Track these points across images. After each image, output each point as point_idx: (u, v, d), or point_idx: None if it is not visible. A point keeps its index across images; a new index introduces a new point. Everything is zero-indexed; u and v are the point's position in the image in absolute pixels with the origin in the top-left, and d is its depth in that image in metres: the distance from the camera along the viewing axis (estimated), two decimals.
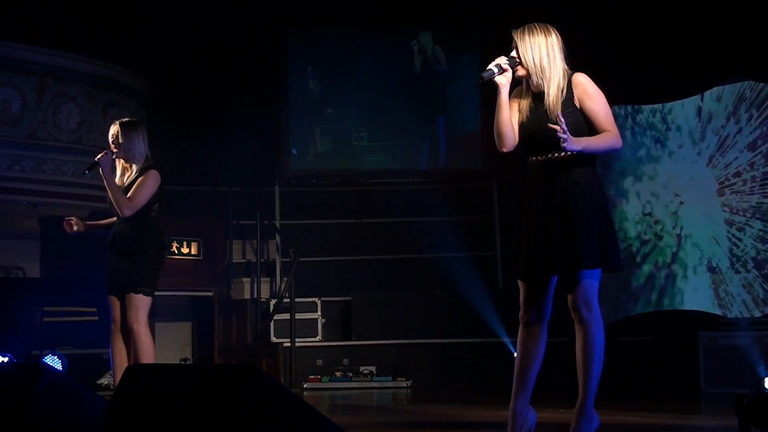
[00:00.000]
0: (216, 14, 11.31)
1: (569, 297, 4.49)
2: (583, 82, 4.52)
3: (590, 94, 4.50)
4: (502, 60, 4.55)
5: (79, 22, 10.38)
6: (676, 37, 9.44)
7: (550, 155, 4.54)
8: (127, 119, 6.76)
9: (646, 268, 9.63)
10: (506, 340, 9.28)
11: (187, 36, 11.30)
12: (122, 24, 10.79)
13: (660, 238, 9.57)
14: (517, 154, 4.68)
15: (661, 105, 9.61)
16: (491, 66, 4.54)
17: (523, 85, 4.65)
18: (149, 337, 6.39)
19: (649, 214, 9.67)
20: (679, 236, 9.45)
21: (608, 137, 4.46)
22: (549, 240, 4.47)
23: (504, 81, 4.53)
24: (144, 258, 6.41)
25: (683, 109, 9.53)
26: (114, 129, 6.50)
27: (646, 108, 9.75)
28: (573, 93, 4.51)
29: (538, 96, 4.59)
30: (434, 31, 11.51)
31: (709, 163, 9.25)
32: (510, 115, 4.60)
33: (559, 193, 4.48)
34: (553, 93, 4.49)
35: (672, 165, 9.50)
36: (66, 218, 6.59)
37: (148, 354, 6.32)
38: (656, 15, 9.58)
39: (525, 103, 4.62)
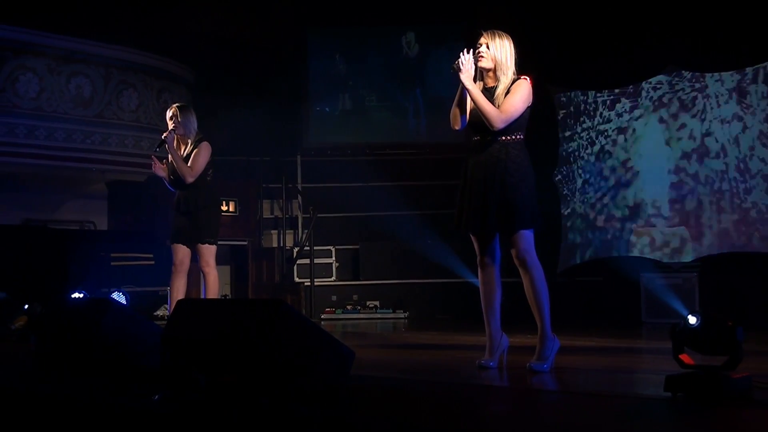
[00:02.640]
0: (249, 17, 11.26)
1: (512, 251, 4.56)
2: (519, 83, 4.57)
3: (513, 90, 4.54)
4: (471, 57, 4.54)
5: (137, 22, 10.34)
6: (621, 33, 9.38)
7: (491, 137, 4.56)
8: (181, 104, 6.79)
9: (602, 221, 9.64)
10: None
11: (226, 35, 11.26)
12: (173, 24, 10.75)
13: (617, 193, 9.58)
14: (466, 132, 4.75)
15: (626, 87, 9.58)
16: (463, 62, 4.52)
17: (476, 77, 4.65)
18: (216, 277, 6.56)
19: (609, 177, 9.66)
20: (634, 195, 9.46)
21: (491, 108, 4.49)
22: (489, 206, 4.52)
23: (465, 78, 4.51)
24: (205, 214, 6.48)
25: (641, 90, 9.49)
26: (172, 111, 6.54)
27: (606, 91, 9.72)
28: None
29: (488, 90, 4.62)
30: (416, 30, 11.94)
31: (662, 133, 9.22)
32: (465, 103, 4.64)
33: (498, 168, 4.53)
34: (500, 89, 4.55)
35: (631, 133, 9.47)
36: (156, 164, 6.55)
37: (214, 289, 6.50)
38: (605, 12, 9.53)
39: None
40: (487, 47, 4.59)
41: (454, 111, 4.68)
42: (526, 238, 4.51)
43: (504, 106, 4.50)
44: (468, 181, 4.65)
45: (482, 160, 4.59)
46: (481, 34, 4.65)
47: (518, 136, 4.58)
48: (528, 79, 4.59)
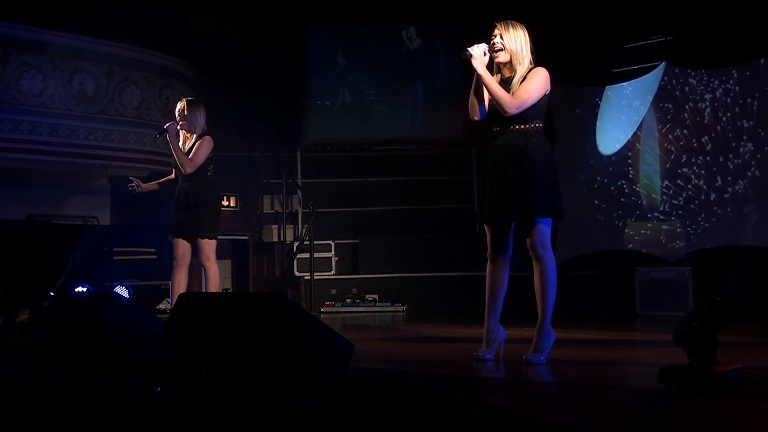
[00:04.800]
0: (250, 13, 11.26)
1: (528, 240, 4.49)
2: (535, 70, 4.53)
3: (530, 77, 4.50)
4: (484, 45, 4.51)
5: (139, 20, 10.34)
6: (617, 32, 9.39)
7: (511, 127, 4.53)
8: (191, 98, 6.76)
9: (596, 214, 9.64)
10: (480, 273, 9.33)
11: (227, 32, 11.26)
12: (174, 22, 10.74)
13: (618, 190, 9.58)
14: (485, 125, 4.69)
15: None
16: (475, 48, 4.49)
17: (494, 69, 4.62)
18: (217, 271, 6.53)
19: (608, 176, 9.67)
20: (630, 190, 9.46)
21: (505, 94, 4.46)
22: (509, 193, 4.47)
23: (478, 64, 4.48)
24: (205, 209, 6.47)
25: (634, 88, 9.50)
26: (181, 105, 6.54)
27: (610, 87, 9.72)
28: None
29: (505, 80, 4.58)
30: (417, 26, 11.92)
31: (655, 131, 9.24)
32: (482, 91, 4.59)
33: (518, 157, 4.48)
34: (516, 78, 4.51)
35: (627, 131, 9.48)
36: (129, 184, 6.61)
37: (215, 283, 6.49)
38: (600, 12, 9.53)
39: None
40: (501, 38, 4.54)
41: (472, 100, 4.62)
42: (544, 229, 4.46)
43: (518, 92, 4.45)
44: (489, 172, 4.60)
45: (502, 150, 4.53)
46: (495, 26, 4.59)
47: (537, 124, 4.53)
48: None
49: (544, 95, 4.53)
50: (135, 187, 6.57)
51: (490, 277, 4.63)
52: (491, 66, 4.58)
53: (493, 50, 4.53)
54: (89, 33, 9.78)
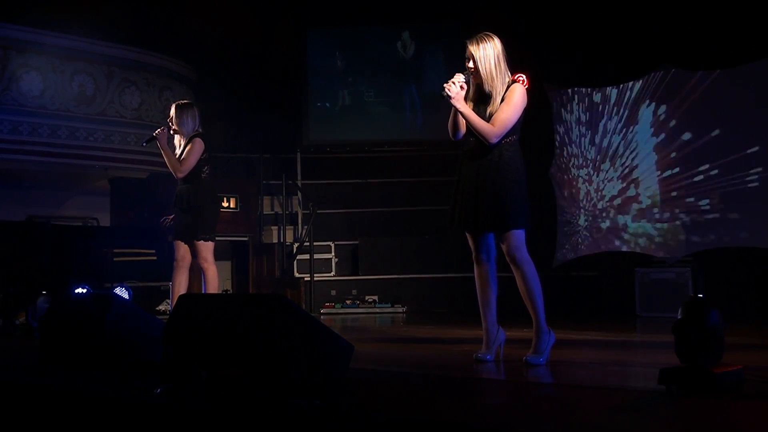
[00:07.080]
0: (250, 15, 11.26)
1: (504, 247, 4.53)
2: (512, 89, 4.50)
3: (507, 99, 4.49)
4: (460, 78, 4.50)
5: (140, 22, 10.34)
6: (618, 33, 9.39)
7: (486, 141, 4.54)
8: (182, 102, 6.75)
9: (596, 215, 9.64)
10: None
11: (227, 34, 11.26)
12: (174, 24, 10.74)
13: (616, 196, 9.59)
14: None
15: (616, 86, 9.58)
16: (451, 84, 4.47)
17: (472, 87, 4.61)
18: (215, 272, 6.52)
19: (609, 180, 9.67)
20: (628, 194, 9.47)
21: (485, 126, 4.47)
22: (481, 206, 4.51)
23: (456, 102, 4.48)
24: (202, 211, 6.45)
25: (628, 92, 9.49)
26: (172, 110, 6.53)
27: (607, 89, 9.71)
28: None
29: (481, 97, 4.58)
30: (412, 29, 11.97)
31: (651, 135, 9.25)
32: (460, 121, 4.61)
33: (491, 169, 4.51)
34: (494, 96, 4.50)
35: (623, 136, 9.47)
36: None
37: (214, 284, 6.48)
38: (600, 13, 9.52)
39: (471, 101, 4.61)
40: (474, 61, 4.52)
41: (450, 127, 4.68)
42: (517, 236, 4.49)
43: (498, 119, 4.46)
44: (461, 180, 4.64)
45: (476, 161, 4.57)
46: (467, 46, 4.56)
47: (512, 138, 4.55)
48: (523, 78, 4.54)
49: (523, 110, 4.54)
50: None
51: (478, 279, 4.69)
52: (469, 86, 4.58)
53: (468, 77, 4.53)
54: (89, 34, 9.79)
